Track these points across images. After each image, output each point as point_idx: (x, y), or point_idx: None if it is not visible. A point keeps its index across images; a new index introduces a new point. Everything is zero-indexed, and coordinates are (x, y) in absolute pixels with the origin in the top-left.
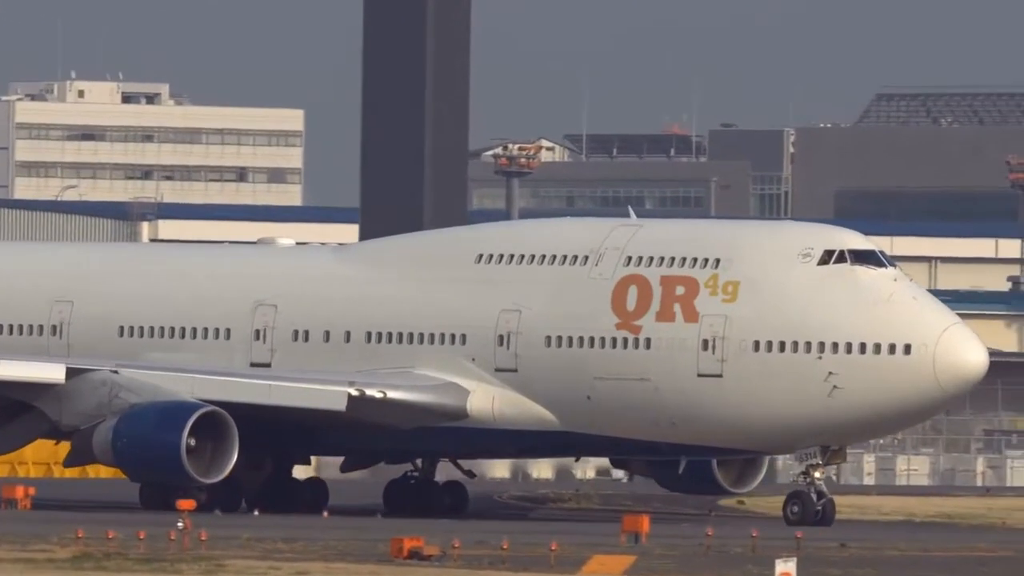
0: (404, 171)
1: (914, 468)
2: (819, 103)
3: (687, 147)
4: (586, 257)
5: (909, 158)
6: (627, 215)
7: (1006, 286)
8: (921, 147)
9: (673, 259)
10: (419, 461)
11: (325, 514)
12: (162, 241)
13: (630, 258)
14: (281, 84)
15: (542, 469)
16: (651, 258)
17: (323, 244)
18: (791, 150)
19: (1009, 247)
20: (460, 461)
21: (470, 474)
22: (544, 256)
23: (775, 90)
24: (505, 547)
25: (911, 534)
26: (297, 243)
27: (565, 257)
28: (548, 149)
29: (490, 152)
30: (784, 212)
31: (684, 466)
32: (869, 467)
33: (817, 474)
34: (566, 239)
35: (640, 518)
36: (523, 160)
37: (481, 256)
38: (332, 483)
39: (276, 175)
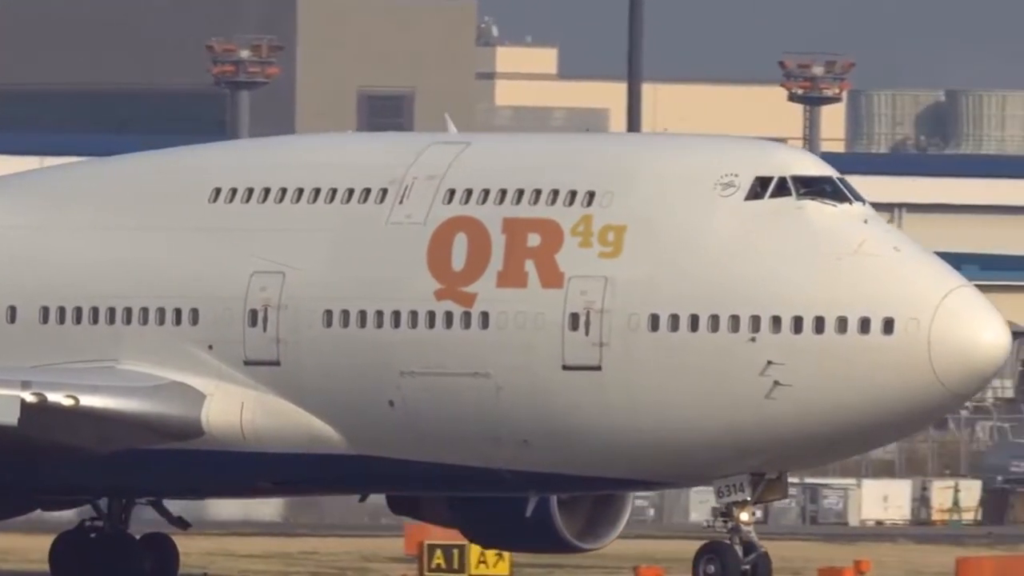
0: None
1: None
2: None
3: None
4: (384, 191)
5: (70, 40)
6: None
7: None
8: (84, 25)
9: (522, 193)
10: (104, 504)
11: None
12: None
13: (453, 192)
14: None
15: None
16: (487, 191)
17: None
18: None
19: None
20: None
21: (182, 523)
22: (319, 190)
23: None
24: None
25: None
26: None
27: (352, 191)
28: None
29: None
30: None
31: (518, 509)
32: None
33: (744, 516)
34: (353, 164)
35: None
36: None
37: (219, 191)
38: None
39: None
